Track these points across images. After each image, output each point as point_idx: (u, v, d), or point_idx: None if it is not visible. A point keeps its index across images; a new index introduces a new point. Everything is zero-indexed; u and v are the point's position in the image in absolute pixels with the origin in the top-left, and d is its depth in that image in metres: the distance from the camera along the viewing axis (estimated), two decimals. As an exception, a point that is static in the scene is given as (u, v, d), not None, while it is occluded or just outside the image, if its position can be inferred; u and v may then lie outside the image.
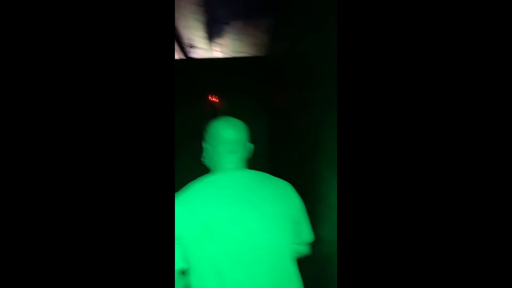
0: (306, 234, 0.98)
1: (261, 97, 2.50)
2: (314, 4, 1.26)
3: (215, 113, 2.10)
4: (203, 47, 3.32)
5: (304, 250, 1.02)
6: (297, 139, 1.74)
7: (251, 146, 1.01)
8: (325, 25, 1.10)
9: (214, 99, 2.08)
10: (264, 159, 2.88)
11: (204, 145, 0.99)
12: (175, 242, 0.83)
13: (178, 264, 0.83)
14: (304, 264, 1.01)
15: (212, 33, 2.98)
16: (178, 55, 3.29)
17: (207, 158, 0.99)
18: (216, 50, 3.39)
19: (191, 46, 3.27)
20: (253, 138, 1.04)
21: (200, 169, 1.15)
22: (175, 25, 2.81)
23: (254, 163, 1.05)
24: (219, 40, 3.11)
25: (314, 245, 1.06)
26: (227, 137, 0.93)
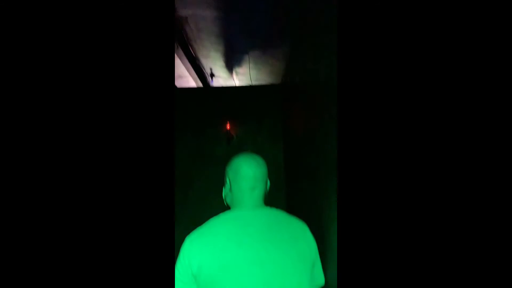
0: (320, 276, 0.96)
1: (277, 124, 2.51)
2: (321, 33, 1.27)
3: (231, 140, 2.12)
4: (223, 76, 3.42)
5: None
6: (311, 170, 1.70)
7: (269, 182, 1.02)
8: (331, 54, 1.10)
9: (231, 126, 2.11)
10: (278, 190, 2.84)
11: (225, 180, 1.00)
12: (190, 279, 0.83)
13: None
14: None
15: (231, 63, 3.07)
16: (198, 84, 3.40)
17: (228, 193, 0.99)
18: (236, 79, 3.49)
19: (212, 75, 3.38)
20: (269, 168, 1.03)
21: (215, 197, 1.15)
22: (197, 55, 2.93)
23: (270, 195, 1.04)
24: (238, 69, 3.20)
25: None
26: (250, 174, 0.94)
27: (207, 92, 2.33)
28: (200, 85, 3.47)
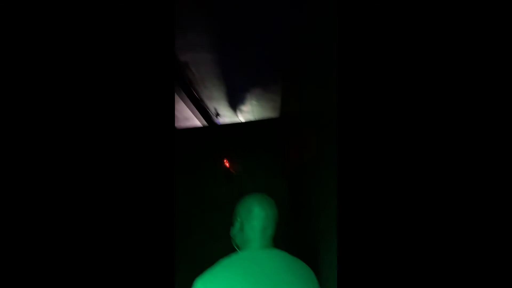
0: None
1: (277, 158, 2.46)
2: (318, 65, 1.30)
3: (231, 178, 2.05)
4: (228, 115, 3.49)
5: None
6: (315, 205, 1.66)
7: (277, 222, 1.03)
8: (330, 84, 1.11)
9: (230, 164, 2.06)
10: (283, 226, 2.76)
11: (236, 219, 1.00)
12: None
13: None
14: None
15: (235, 102, 3.15)
16: (204, 124, 3.47)
17: (238, 233, 0.99)
18: (241, 117, 3.55)
19: (217, 115, 3.45)
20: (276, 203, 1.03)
21: (218, 238, 1.12)
22: (200, 97, 3.02)
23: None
24: (242, 107, 3.26)
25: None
26: (263, 213, 0.95)
27: (201, 131, 2.33)
28: (206, 125, 3.54)
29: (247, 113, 3.44)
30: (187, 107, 3.11)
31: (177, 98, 2.91)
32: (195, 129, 2.54)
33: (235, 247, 1.01)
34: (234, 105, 3.19)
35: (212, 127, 3.10)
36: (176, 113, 3.20)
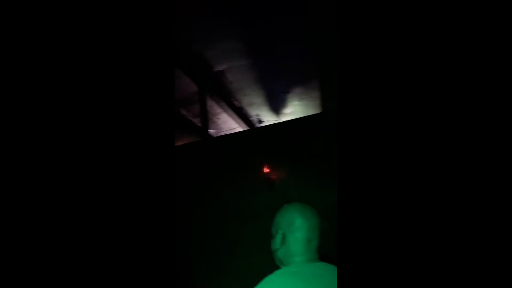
0: None
1: (323, 159, 2.22)
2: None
3: (273, 185, 1.90)
4: (271, 120, 3.41)
5: None
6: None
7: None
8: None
9: (270, 169, 1.90)
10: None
11: (276, 232, 0.93)
12: None
13: None
14: None
15: (276, 104, 3.06)
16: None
17: (280, 247, 0.92)
18: (285, 119, 3.45)
19: (260, 121, 3.39)
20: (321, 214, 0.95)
21: (261, 252, 1.03)
22: (241, 105, 2.99)
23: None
24: (285, 109, 3.17)
25: None
26: (306, 224, 0.89)
27: (235, 137, 2.20)
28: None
29: (290, 115, 3.33)
30: (230, 116, 3.10)
31: (218, 109, 2.91)
32: (233, 135, 2.43)
33: (278, 263, 0.94)
34: (276, 108, 3.11)
35: (251, 130, 3.01)
36: (219, 123, 3.21)
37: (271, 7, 1.91)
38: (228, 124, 3.25)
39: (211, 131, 3.20)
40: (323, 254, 0.93)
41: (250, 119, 3.27)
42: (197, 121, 2.67)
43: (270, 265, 0.97)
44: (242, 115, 3.08)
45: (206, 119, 2.53)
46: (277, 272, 0.85)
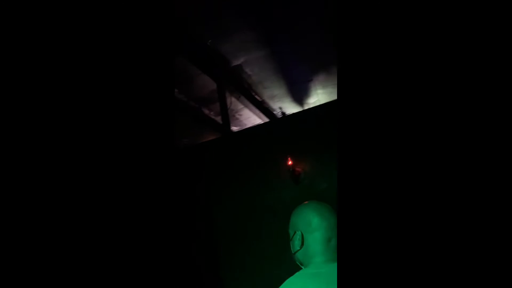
0: None
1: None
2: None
3: (299, 178, 1.75)
4: (295, 111, 3.30)
5: None
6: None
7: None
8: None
9: (294, 162, 1.75)
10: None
11: (294, 233, 0.91)
12: None
13: None
14: None
15: (299, 95, 2.94)
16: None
17: (299, 248, 0.90)
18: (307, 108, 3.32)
19: (283, 114, 3.29)
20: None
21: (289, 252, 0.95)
22: (262, 98, 2.90)
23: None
24: (308, 99, 3.04)
25: None
26: (325, 223, 0.87)
27: (254, 131, 2.04)
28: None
29: (314, 105, 3.20)
30: (252, 112, 3.02)
31: (240, 104, 2.84)
32: (252, 129, 2.29)
33: (298, 264, 0.92)
34: (299, 99, 2.99)
35: (272, 122, 2.87)
36: (242, 119, 3.14)
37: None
38: (251, 120, 3.18)
39: (234, 128, 3.14)
40: None
41: (274, 112, 3.17)
42: (219, 119, 2.61)
43: (296, 264, 0.95)
44: (264, 109, 2.99)
45: (227, 116, 2.47)
46: (298, 274, 0.84)
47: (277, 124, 2.02)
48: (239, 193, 1.83)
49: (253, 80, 2.61)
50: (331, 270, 0.81)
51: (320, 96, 2.99)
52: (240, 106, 2.87)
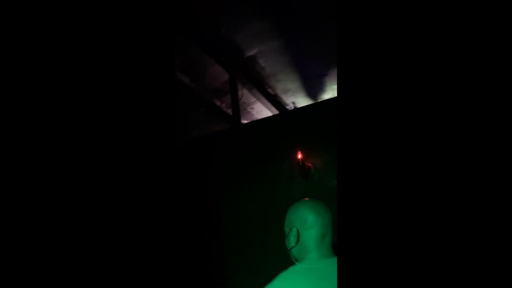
0: None
1: None
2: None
3: (309, 173, 1.67)
4: (309, 107, 3.22)
5: None
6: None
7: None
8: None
9: (304, 156, 1.66)
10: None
11: (290, 230, 0.94)
12: None
13: None
14: None
15: (314, 90, 2.86)
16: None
17: (294, 244, 0.92)
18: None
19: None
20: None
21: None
22: (275, 92, 2.84)
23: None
24: (323, 94, 2.96)
25: None
26: (320, 220, 0.90)
27: (265, 123, 1.95)
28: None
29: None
30: (264, 105, 2.96)
31: (251, 97, 2.78)
32: (262, 120, 2.22)
33: (293, 260, 0.94)
34: (313, 93, 2.91)
35: (282, 115, 2.79)
36: (253, 113, 3.08)
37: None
38: (263, 114, 3.12)
39: (245, 122, 3.09)
40: None
41: (286, 107, 3.10)
42: (230, 112, 2.57)
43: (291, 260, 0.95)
44: (277, 103, 2.93)
45: (238, 108, 2.42)
46: (291, 268, 0.87)
47: (288, 116, 1.94)
48: (245, 189, 1.78)
49: (267, 73, 2.54)
50: (324, 265, 0.85)
51: (335, 91, 2.90)
52: (252, 99, 2.82)
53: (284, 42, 2.21)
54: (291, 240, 0.92)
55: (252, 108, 3.01)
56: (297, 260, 0.93)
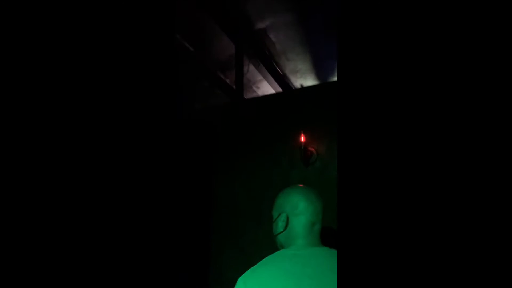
0: None
1: None
2: None
3: (310, 159, 1.55)
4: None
5: None
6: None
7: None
8: None
9: (307, 140, 1.53)
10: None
11: (278, 215, 0.91)
12: None
13: None
14: None
15: (325, 73, 2.71)
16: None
17: (282, 230, 0.90)
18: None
19: (304, 93, 3.07)
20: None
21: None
22: (283, 72, 2.69)
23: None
24: (331, 79, 2.81)
25: None
26: (311, 207, 0.88)
27: (268, 101, 1.79)
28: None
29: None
30: (270, 85, 2.82)
31: (258, 75, 2.64)
32: (261, 98, 2.04)
33: (279, 246, 0.92)
34: (323, 77, 2.76)
35: (288, 93, 2.64)
36: (259, 93, 2.95)
37: None
38: (268, 94, 2.98)
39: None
40: None
41: (294, 89, 2.96)
42: (234, 88, 2.43)
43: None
44: (284, 84, 2.78)
45: (242, 83, 2.28)
46: (277, 253, 0.86)
47: (294, 95, 1.80)
48: (244, 168, 1.67)
49: (276, 49, 2.39)
50: (310, 252, 0.83)
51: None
52: (259, 77, 2.68)
53: (298, 17, 2.05)
54: (279, 225, 0.90)
55: (258, 87, 2.87)
56: (282, 247, 0.91)
